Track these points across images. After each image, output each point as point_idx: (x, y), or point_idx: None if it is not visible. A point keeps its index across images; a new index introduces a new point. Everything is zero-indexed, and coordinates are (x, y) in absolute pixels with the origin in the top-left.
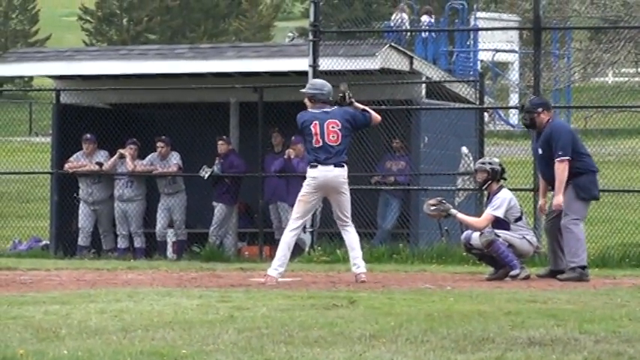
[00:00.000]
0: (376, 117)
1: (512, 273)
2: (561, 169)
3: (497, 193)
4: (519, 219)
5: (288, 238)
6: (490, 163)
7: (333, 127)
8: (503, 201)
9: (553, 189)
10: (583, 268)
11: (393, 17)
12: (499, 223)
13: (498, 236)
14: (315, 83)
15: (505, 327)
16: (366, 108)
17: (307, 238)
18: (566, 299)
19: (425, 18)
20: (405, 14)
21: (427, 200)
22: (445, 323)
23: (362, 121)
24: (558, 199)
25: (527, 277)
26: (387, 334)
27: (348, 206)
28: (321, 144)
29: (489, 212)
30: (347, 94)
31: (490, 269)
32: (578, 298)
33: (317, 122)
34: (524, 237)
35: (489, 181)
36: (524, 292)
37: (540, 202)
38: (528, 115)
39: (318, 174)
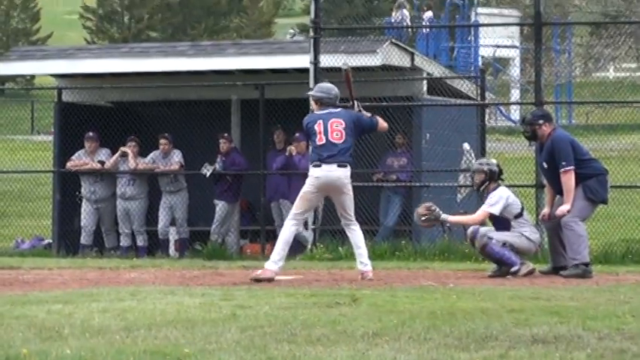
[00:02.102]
0: (383, 124)
1: (512, 270)
2: (567, 179)
3: (493, 190)
4: (520, 215)
5: (288, 234)
6: (488, 164)
7: (336, 126)
8: (499, 198)
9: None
10: (586, 264)
11: (393, 14)
12: (500, 222)
13: (491, 238)
14: (322, 87)
15: (508, 324)
16: (376, 116)
17: (309, 235)
18: (569, 296)
19: (429, 13)
20: (405, 10)
21: (416, 210)
22: (448, 321)
23: (367, 124)
24: (566, 207)
25: (530, 272)
26: (389, 332)
27: (351, 205)
28: (324, 142)
29: (484, 209)
30: (356, 103)
31: (493, 266)
32: (581, 295)
33: (321, 121)
34: (522, 234)
35: (487, 182)
36: (528, 290)
37: (545, 210)
38: (530, 127)
39: (320, 173)
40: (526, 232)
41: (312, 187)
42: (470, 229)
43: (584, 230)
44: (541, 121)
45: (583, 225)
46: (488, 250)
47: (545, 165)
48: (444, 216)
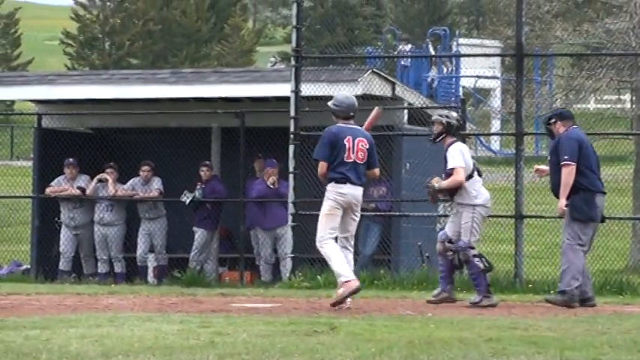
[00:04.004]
0: (376, 173)
1: (474, 300)
2: (566, 173)
3: (450, 146)
4: (470, 177)
5: (337, 251)
6: (447, 117)
7: (362, 146)
8: (459, 152)
9: (557, 197)
10: (572, 292)
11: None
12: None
13: (466, 249)
14: (343, 100)
15: (486, 354)
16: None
17: (289, 263)
18: (547, 326)
19: (407, 47)
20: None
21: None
22: (426, 350)
23: (373, 161)
24: (561, 202)
25: (491, 306)
26: None
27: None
28: (352, 160)
29: (456, 165)
30: None
31: (472, 297)
32: (559, 326)
33: (350, 137)
34: (473, 220)
35: (444, 134)
36: (505, 319)
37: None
38: (546, 127)
39: (347, 191)
40: (478, 207)
41: (336, 203)
42: (440, 233)
43: (578, 257)
44: (552, 120)
45: (578, 251)
46: (471, 266)
47: (549, 157)
48: (436, 185)
